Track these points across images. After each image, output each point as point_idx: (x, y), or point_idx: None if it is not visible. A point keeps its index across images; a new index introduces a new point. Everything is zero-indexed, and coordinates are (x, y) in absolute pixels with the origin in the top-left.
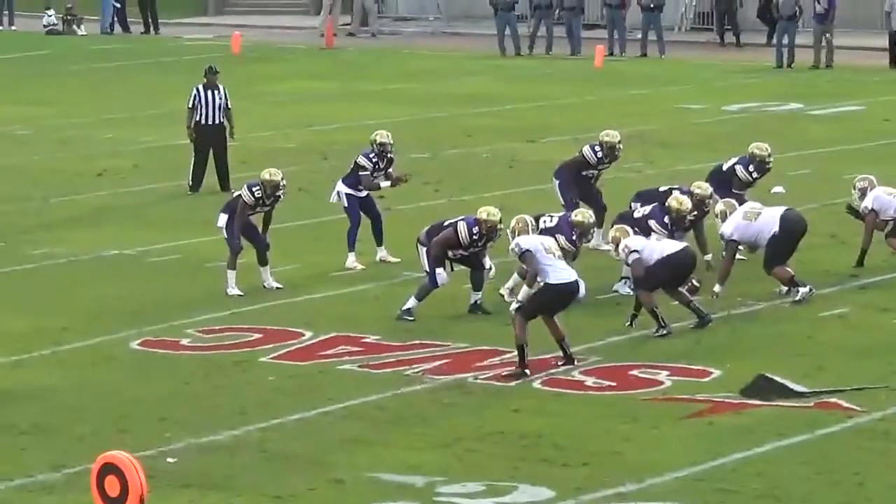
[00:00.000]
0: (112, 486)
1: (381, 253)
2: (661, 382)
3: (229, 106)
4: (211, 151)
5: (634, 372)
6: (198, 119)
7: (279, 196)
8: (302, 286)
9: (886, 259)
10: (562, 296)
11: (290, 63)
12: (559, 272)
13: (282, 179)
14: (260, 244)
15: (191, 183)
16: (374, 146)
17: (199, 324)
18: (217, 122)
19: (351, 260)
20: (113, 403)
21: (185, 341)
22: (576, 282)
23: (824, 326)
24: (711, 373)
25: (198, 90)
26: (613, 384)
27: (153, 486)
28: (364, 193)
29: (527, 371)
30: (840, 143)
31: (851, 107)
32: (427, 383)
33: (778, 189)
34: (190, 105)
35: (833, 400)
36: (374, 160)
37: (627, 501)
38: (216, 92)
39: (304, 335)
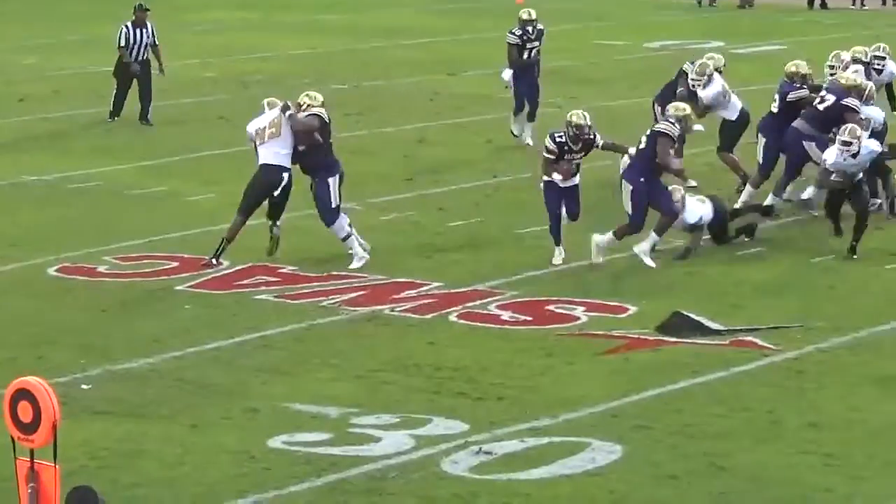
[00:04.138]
0: (25, 412)
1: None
2: (578, 318)
3: (157, 43)
4: (135, 83)
5: (551, 307)
6: (135, 57)
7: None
8: (219, 215)
9: None
10: (258, 180)
11: None
12: (261, 157)
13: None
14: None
15: (112, 109)
16: (570, 128)
17: (117, 251)
18: (144, 58)
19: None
20: (29, 329)
21: (102, 268)
22: (267, 167)
23: (741, 264)
24: (628, 309)
25: (127, 28)
26: (530, 319)
27: (67, 413)
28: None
29: (213, 262)
30: (761, 82)
31: (773, 46)
32: (343, 314)
33: (697, 127)
34: (122, 44)
35: (748, 338)
36: (559, 140)
37: (542, 436)
38: (144, 30)
39: (221, 264)
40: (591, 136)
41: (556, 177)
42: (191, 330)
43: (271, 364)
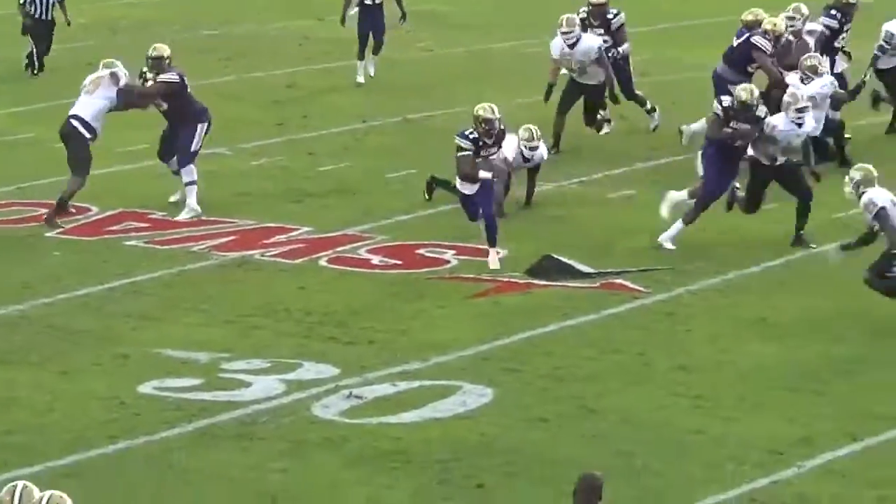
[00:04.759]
0: None
1: None
2: (448, 262)
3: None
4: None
5: (421, 251)
6: (31, 13)
7: None
8: None
9: (675, 136)
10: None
11: None
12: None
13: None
14: None
15: (30, 62)
16: (479, 124)
17: None
18: (49, 17)
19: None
20: None
21: None
22: (67, 117)
23: (611, 207)
24: (498, 252)
25: None
26: (400, 263)
27: None
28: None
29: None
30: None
31: None
32: (213, 260)
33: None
34: (21, 1)
35: (619, 281)
36: (473, 137)
37: (412, 380)
38: None
39: (90, 210)
40: (503, 129)
41: (485, 174)
42: (60, 276)
43: (141, 310)
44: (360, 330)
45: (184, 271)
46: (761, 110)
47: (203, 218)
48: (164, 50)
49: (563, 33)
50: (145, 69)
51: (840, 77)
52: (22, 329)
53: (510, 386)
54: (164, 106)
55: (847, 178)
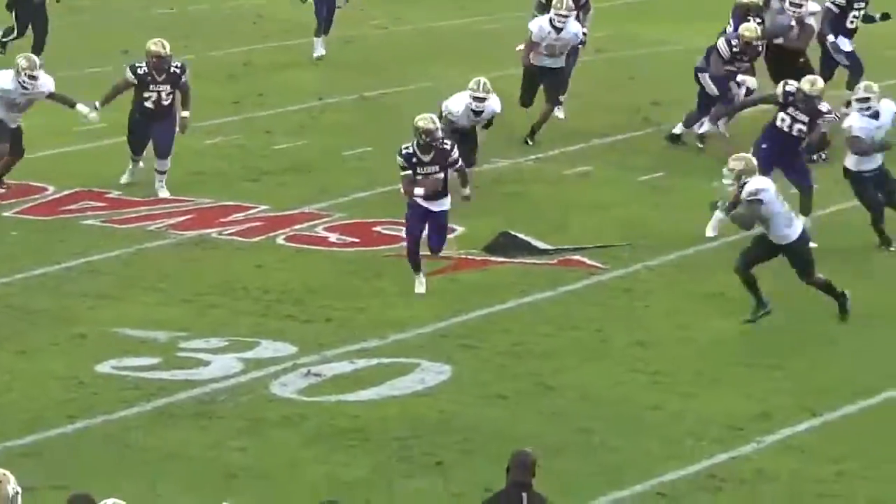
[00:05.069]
0: None
1: None
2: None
3: None
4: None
5: (378, 228)
6: None
7: None
8: (44, 141)
9: (640, 111)
10: None
11: None
12: None
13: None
14: None
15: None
16: (418, 135)
17: None
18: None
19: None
20: None
21: None
22: None
23: (567, 184)
24: (455, 229)
25: None
26: (357, 240)
27: None
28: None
29: None
30: None
31: None
32: (171, 239)
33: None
34: None
35: (576, 257)
36: (406, 153)
37: (371, 357)
38: None
39: (47, 190)
40: (447, 146)
41: (419, 191)
42: (17, 256)
43: (98, 289)
44: (318, 308)
45: (141, 250)
46: (824, 105)
47: (160, 197)
48: (168, 46)
49: (560, 16)
50: (137, 64)
51: (853, 56)
52: None
53: (468, 363)
54: (170, 99)
55: (726, 170)
